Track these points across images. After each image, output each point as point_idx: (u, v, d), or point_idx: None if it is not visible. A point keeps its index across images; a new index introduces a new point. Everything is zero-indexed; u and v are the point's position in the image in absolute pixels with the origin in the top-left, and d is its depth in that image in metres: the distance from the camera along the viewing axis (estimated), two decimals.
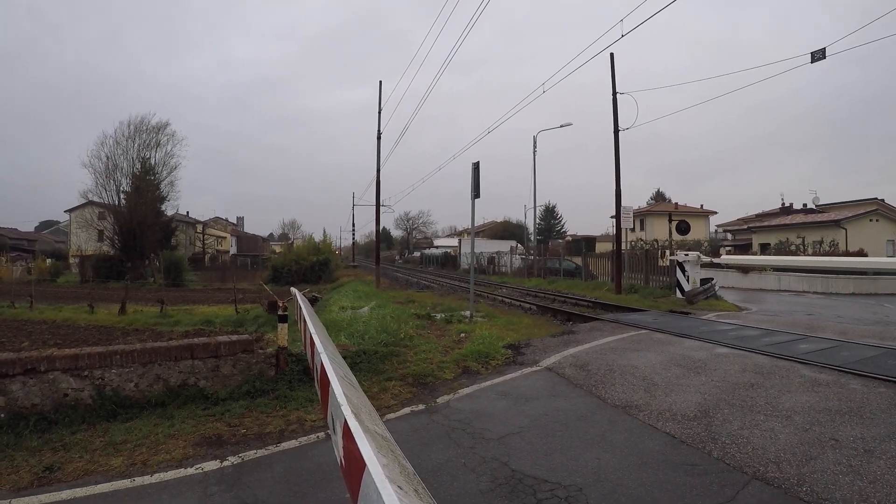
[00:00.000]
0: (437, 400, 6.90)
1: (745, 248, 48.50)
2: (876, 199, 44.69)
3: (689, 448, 5.08)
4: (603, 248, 52.61)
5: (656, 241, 34.43)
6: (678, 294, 19.26)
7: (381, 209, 33.08)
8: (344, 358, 6.27)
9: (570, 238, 76.89)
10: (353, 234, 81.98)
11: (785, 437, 5.19)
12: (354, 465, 1.86)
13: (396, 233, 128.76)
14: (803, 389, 6.87)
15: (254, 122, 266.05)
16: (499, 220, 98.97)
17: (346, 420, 2.13)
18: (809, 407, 6.13)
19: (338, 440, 2.44)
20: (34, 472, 4.73)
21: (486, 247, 56.65)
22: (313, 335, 4.56)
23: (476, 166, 14.43)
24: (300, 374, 7.24)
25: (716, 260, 22.61)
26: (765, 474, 4.45)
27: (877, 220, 41.26)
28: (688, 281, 18.87)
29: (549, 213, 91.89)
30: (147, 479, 4.59)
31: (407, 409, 6.53)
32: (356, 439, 1.89)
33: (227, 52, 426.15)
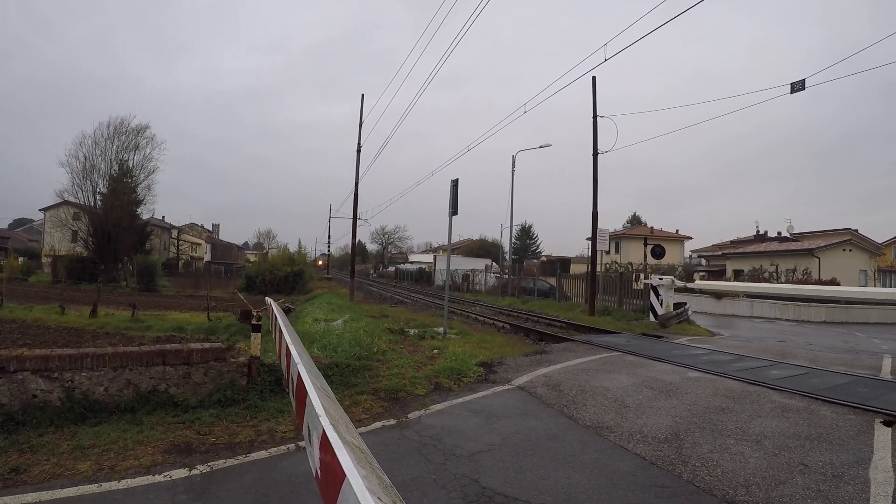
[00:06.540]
0: (409, 415, 6.88)
1: (719, 274, 49.08)
2: (850, 229, 45.49)
3: (660, 470, 5.11)
4: (577, 269, 52.96)
5: (631, 264, 34.75)
6: (651, 317, 19.40)
7: (358, 223, 33.05)
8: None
9: (546, 258, 77.40)
10: (329, 247, 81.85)
11: (755, 462, 5.25)
12: (332, 477, 1.85)
13: (372, 247, 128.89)
14: (774, 415, 6.95)
15: (237, 131, 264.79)
16: (475, 238, 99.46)
17: (324, 431, 2.12)
18: (779, 432, 6.20)
19: (314, 451, 2.43)
20: None
21: (462, 264, 56.71)
22: (289, 345, 4.55)
23: (455, 183, 14.44)
24: (272, 384, 7.18)
25: (689, 285, 22.91)
26: (734, 498, 4.49)
27: (850, 250, 42.02)
28: (661, 305, 19.04)
29: (525, 233, 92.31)
30: (114, 485, 4.52)
31: (378, 424, 6.50)
32: (335, 451, 1.89)
33: (216, 60, 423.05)
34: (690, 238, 66.89)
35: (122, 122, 47.97)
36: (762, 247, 48.70)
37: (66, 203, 51.55)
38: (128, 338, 13.45)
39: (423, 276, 66.13)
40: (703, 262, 65.48)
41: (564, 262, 61.60)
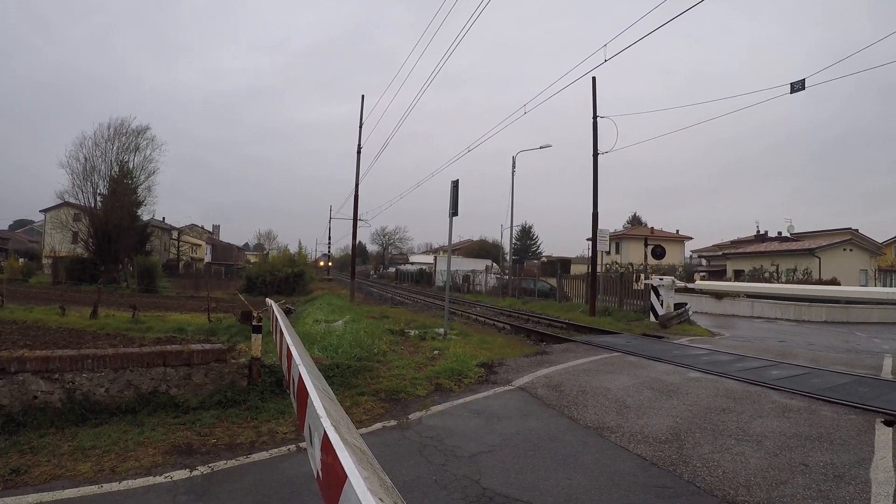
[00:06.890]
0: (410, 416, 6.88)
1: (719, 275, 49.04)
2: (850, 228, 45.40)
3: (661, 470, 5.11)
4: (578, 269, 52.89)
5: (631, 264, 34.75)
6: (652, 318, 19.38)
7: (359, 223, 33.08)
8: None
9: (546, 259, 77.37)
10: (329, 247, 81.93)
11: (755, 462, 5.25)
12: (334, 478, 1.85)
13: (372, 247, 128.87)
14: (774, 415, 6.95)
15: (237, 131, 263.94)
16: (475, 239, 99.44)
17: (325, 432, 2.12)
18: (780, 432, 6.20)
19: (315, 452, 2.43)
20: (0, 473, 4.65)
21: (462, 265, 56.69)
22: (290, 346, 4.54)
23: (455, 184, 14.43)
24: (273, 385, 7.18)
25: (690, 285, 22.78)
26: (735, 498, 4.48)
27: (850, 250, 41.98)
28: (662, 305, 19.00)
29: (526, 234, 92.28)
30: (115, 486, 4.52)
31: (379, 425, 6.50)
32: (337, 452, 1.89)
33: (216, 60, 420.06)
34: (691, 238, 66.87)
35: (123, 123, 48.12)
36: (762, 247, 48.68)
37: (66, 204, 51.68)
38: (128, 339, 13.46)
39: (424, 277, 66.16)
40: (704, 262, 65.39)
41: (565, 263, 61.54)
